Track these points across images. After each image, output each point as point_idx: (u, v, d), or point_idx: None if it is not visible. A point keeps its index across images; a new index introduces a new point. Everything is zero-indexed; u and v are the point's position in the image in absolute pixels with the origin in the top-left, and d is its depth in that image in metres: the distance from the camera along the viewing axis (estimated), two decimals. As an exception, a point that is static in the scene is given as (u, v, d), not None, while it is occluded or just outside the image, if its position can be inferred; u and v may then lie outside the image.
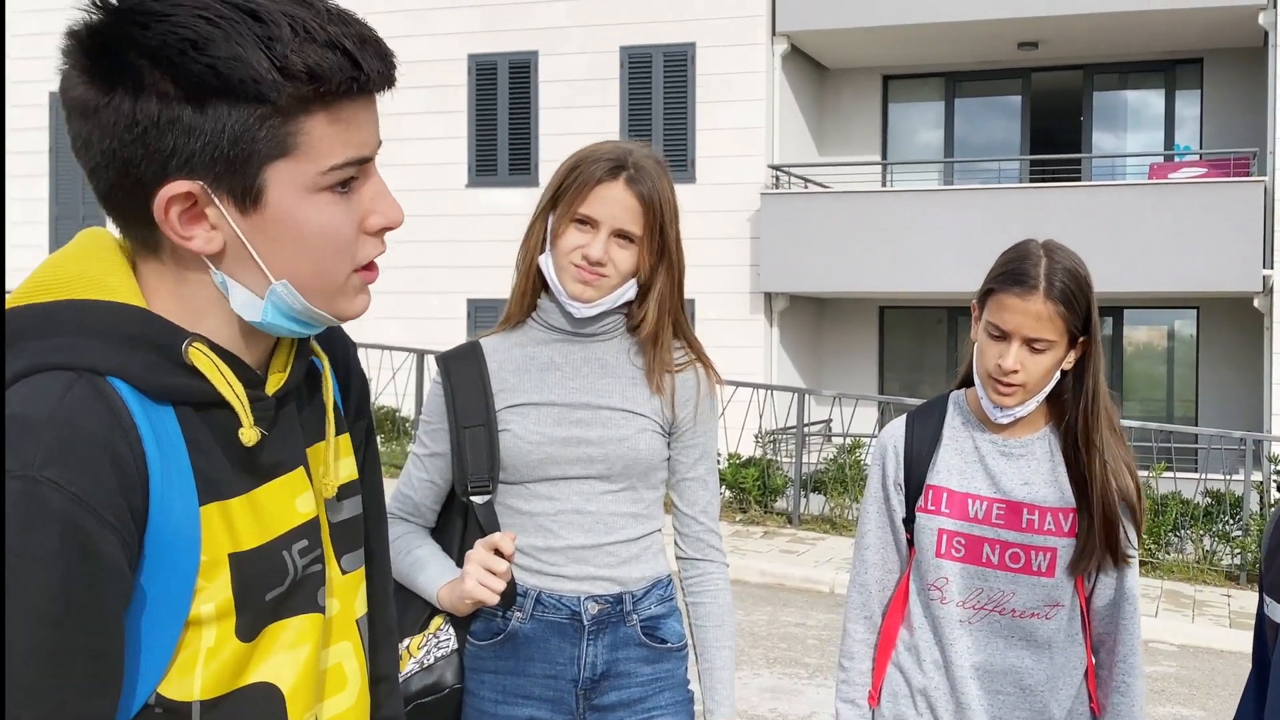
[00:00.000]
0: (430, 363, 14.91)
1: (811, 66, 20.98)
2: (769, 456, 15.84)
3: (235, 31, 1.35)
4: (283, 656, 1.54)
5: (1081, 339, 3.03)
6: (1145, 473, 13.70)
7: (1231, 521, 13.63)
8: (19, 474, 1.26)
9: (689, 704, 3.08)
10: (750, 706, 8.21)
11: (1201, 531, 13.59)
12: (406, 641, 2.93)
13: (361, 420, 1.84)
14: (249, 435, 1.46)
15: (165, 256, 1.47)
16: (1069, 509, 3.06)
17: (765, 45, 19.38)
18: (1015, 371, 2.95)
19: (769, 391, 16.54)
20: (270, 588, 1.51)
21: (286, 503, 1.56)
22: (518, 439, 2.94)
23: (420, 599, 2.97)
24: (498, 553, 2.83)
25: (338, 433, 1.72)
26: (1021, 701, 3.10)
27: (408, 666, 2.89)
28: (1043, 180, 19.81)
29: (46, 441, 1.29)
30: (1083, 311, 3.00)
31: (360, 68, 1.42)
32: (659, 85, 19.75)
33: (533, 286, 3.02)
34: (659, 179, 2.93)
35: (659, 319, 3.00)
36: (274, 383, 1.56)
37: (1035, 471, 3.11)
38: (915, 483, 3.20)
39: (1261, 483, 13.79)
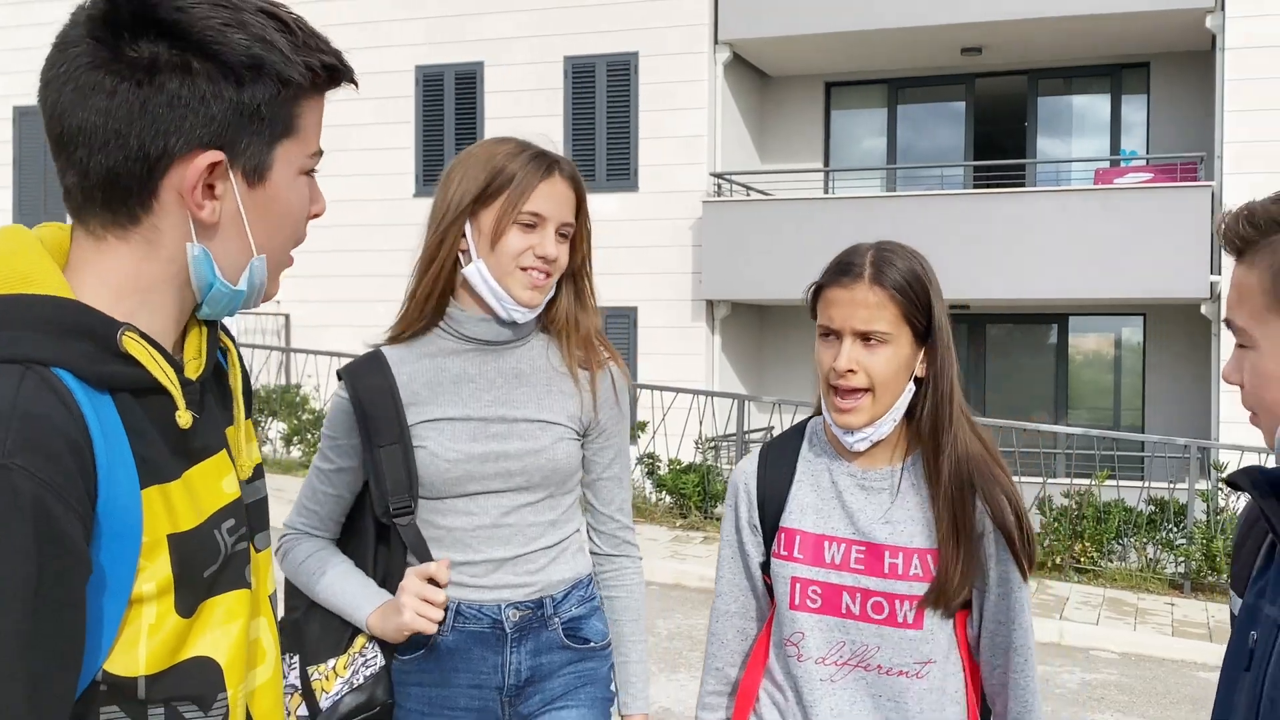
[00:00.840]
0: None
1: (754, 74, 19.54)
2: (710, 463, 14.80)
3: (254, 24, 1.39)
4: (218, 631, 1.49)
5: (929, 341, 2.51)
6: (1088, 480, 12.94)
7: (1176, 529, 12.70)
8: None
9: (607, 703, 2.84)
10: (689, 709, 7.64)
11: (1145, 539, 12.68)
12: (331, 662, 2.70)
13: (247, 403, 1.71)
14: (185, 418, 1.42)
15: (137, 237, 1.43)
16: (936, 550, 2.49)
17: (707, 54, 18.12)
18: (852, 371, 2.44)
19: (710, 398, 15.59)
20: (206, 566, 1.46)
21: (215, 483, 1.51)
22: (434, 457, 2.68)
23: (340, 618, 2.72)
24: (432, 582, 2.61)
25: (246, 417, 1.67)
26: None
27: (335, 687, 2.67)
28: (987, 186, 18.30)
29: (13, 431, 1.25)
30: (922, 305, 2.48)
31: (346, 67, 1.49)
32: (602, 94, 18.43)
33: (439, 295, 2.70)
34: (579, 175, 2.73)
35: (580, 304, 2.79)
36: (193, 369, 1.51)
37: (898, 508, 2.55)
38: (770, 524, 2.66)
39: (1206, 491, 12.64)
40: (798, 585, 2.58)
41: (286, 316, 19.76)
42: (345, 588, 2.71)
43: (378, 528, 2.79)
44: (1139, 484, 13.52)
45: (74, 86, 1.36)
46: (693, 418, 15.19)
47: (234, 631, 1.53)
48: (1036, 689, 2.61)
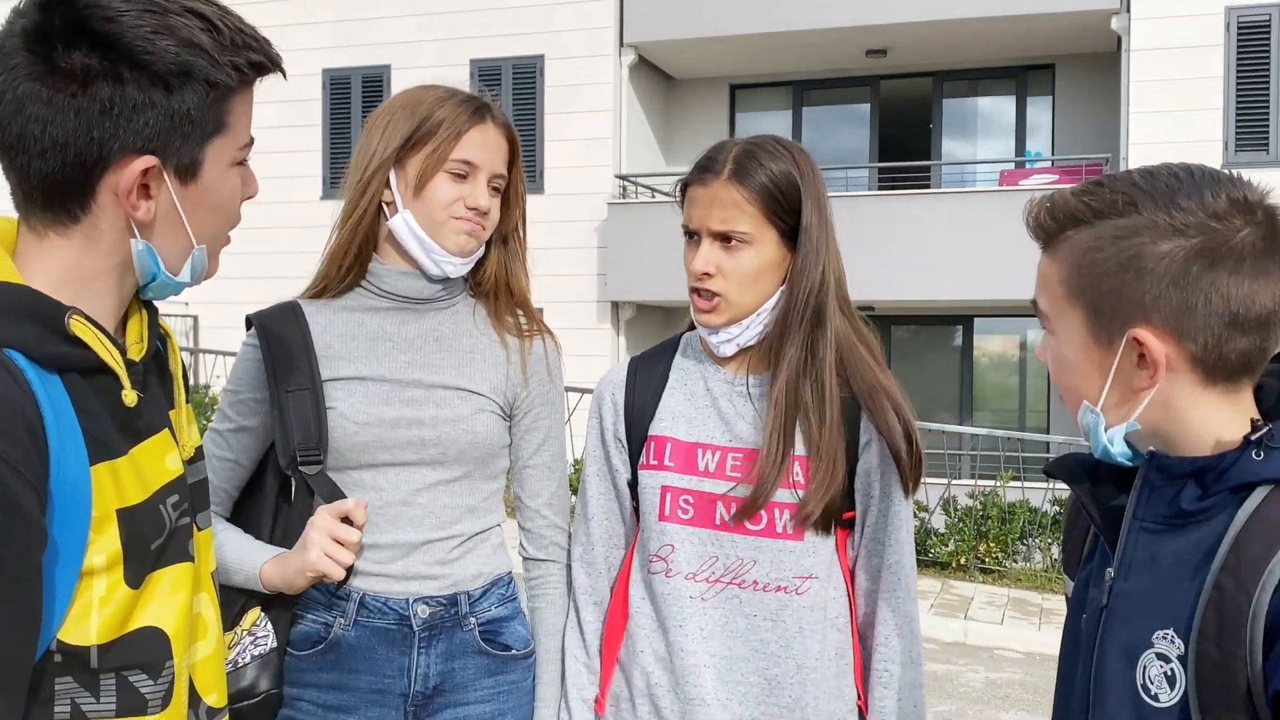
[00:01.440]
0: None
1: (659, 77, 18.46)
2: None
3: (182, 27, 1.36)
4: (165, 602, 1.46)
5: (803, 243, 2.21)
6: (992, 481, 12.38)
7: None
8: None
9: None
10: None
11: (1050, 540, 11.98)
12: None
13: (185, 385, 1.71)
14: (130, 397, 1.41)
15: (78, 234, 1.41)
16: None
17: (613, 56, 17.12)
18: (709, 274, 2.18)
19: None
20: (153, 539, 1.44)
21: (159, 460, 1.48)
22: (342, 418, 2.30)
23: (232, 589, 2.27)
24: (347, 521, 2.23)
25: (186, 400, 1.67)
26: (767, 695, 2.20)
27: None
28: (892, 188, 17.26)
29: None
30: (789, 201, 2.18)
31: (273, 59, 1.46)
32: (508, 97, 17.31)
33: (358, 248, 2.35)
34: (510, 123, 2.41)
35: (512, 266, 2.46)
36: (135, 351, 1.49)
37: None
38: (638, 436, 2.33)
39: None
40: (668, 495, 2.27)
41: (195, 318, 18.78)
42: (236, 545, 2.30)
43: (280, 487, 2.40)
44: (1044, 485, 12.72)
45: (12, 96, 1.35)
46: None
47: (179, 602, 1.49)
48: (911, 614, 2.27)
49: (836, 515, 2.24)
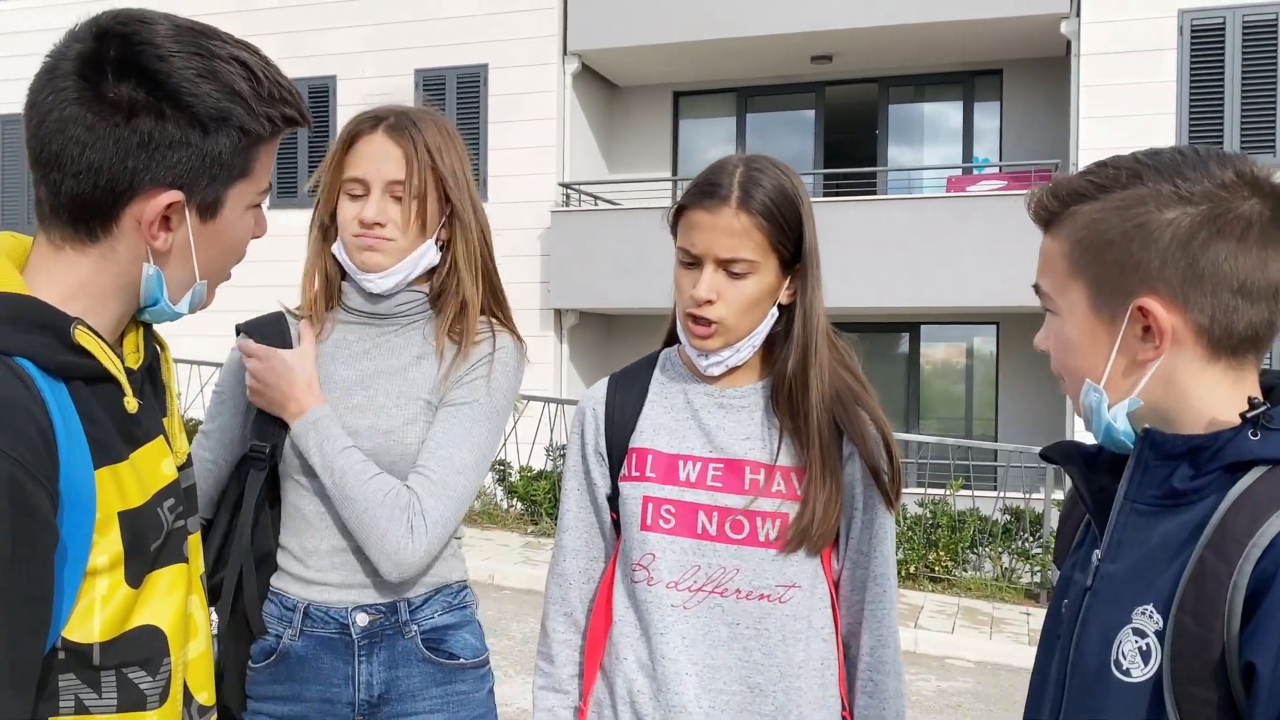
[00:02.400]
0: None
1: (602, 84, 17.01)
2: (560, 470, 12.84)
3: (225, 74, 1.36)
4: (163, 601, 1.44)
5: (797, 267, 2.10)
6: (941, 490, 11.42)
7: (1031, 539, 11.28)
8: None
9: None
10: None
11: (1000, 549, 11.21)
12: None
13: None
14: (131, 404, 1.40)
15: (94, 252, 1.39)
16: (801, 468, 2.08)
17: (557, 65, 15.80)
18: (710, 302, 2.03)
19: (560, 406, 13.57)
20: (152, 540, 1.42)
21: (156, 465, 1.46)
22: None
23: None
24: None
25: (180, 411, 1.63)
26: (750, 703, 2.08)
27: None
28: (838, 195, 15.93)
29: None
30: (793, 230, 2.05)
31: (304, 116, 1.46)
32: (452, 106, 15.96)
33: (316, 273, 2.29)
34: (427, 126, 2.19)
35: (468, 274, 2.23)
36: (133, 360, 1.47)
37: (761, 424, 2.12)
38: (618, 450, 2.18)
39: (1061, 500, 9.20)
40: (649, 505, 2.11)
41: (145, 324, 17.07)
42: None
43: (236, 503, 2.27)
44: (994, 494, 11.96)
45: (57, 115, 1.33)
46: (543, 425, 13.30)
47: (175, 602, 1.47)
48: (894, 625, 2.15)
49: (825, 533, 2.08)
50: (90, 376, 1.36)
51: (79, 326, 1.34)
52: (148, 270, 1.41)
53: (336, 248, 2.23)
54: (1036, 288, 1.50)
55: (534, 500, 12.55)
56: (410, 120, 2.18)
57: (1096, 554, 1.44)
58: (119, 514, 1.36)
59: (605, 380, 2.27)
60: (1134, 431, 1.41)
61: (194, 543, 1.57)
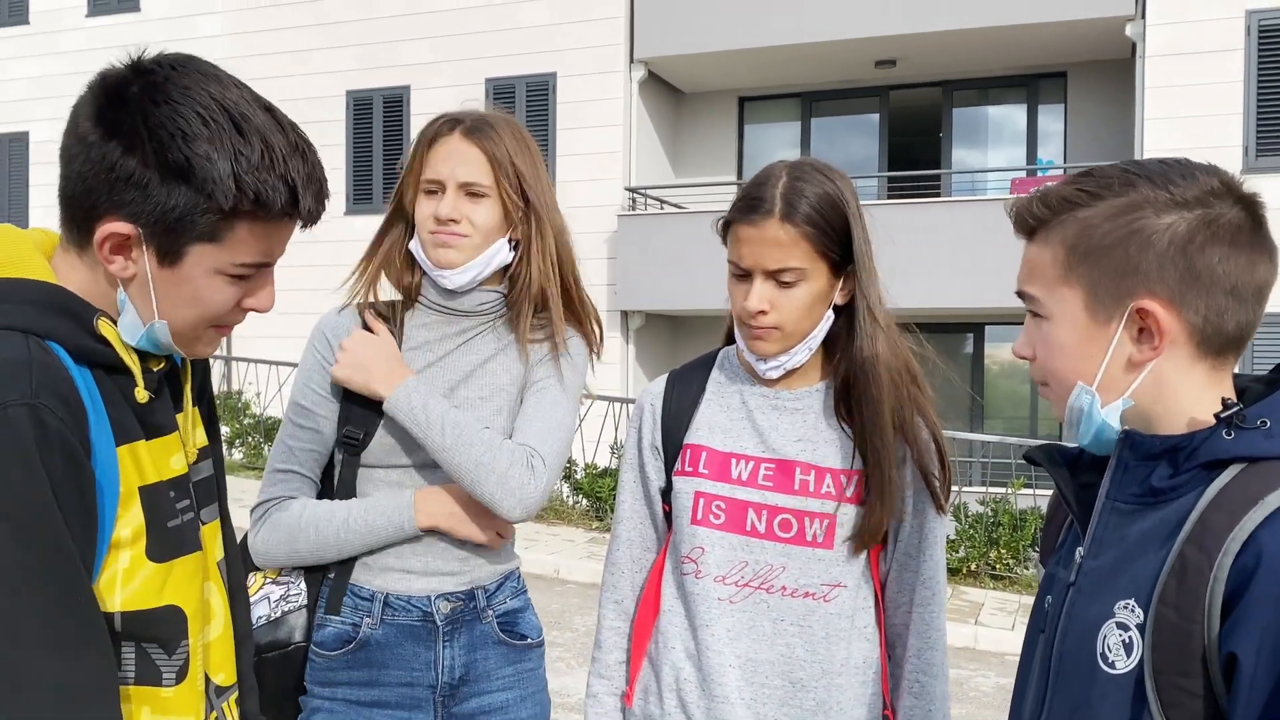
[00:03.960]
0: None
1: (668, 91, 16.90)
2: None
3: (218, 139, 1.37)
4: (185, 585, 1.48)
5: (850, 268, 2.06)
6: (1003, 489, 11.11)
7: None
8: (23, 401, 1.26)
9: (549, 704, 2.36)
10: None
11: None
12: (252, 577, 2.26)
13: (205, 397, 1.74)
14: (142, 394, 1.44)
15: (88, 259, 1.44)
16: (852, 471, 2.06)
17: (623, 72, 15.72)
18: (763, 312, 2.01)
19: (625, 405, 13.43)
20: (169, 517, 1.46)
21: (165, 459, 1.49)
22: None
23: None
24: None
25: (193, 405, 1.65)
26: (791, 697, 2.06)
27: (257, 611, 2.21)
28: (902, 198, 15.58)
29: (35, 377, 1.28)
30: (839, 233, 2.02)
31: (296, 206, 1.43)
32: (522, 114, 15.91)
33: (405, 273, 2.30)
34: (503, 131, 2.21)
35: (538, 278, 2.24)
36: (154, 363, 1.51)
37: (813, 427, 2.10)
38: (674, 445, 2.18)
39: None
40: (700, 500, 2.10)
41: None
42: (372, 507, 2.19)
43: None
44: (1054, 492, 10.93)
45: (74, 121, 1.40)
46: (609, 424, 13.19)
47: (195, 586, 1.50)
48: (942, 628, 2.11)
49: (876, 533, 2.07)
50: (108, 365, 1.40)
51: (102, 317, 1.40)
52: (119, 297, 1.43)
53: (414, 245, 2.25)
54: (1021, 294, 1.49)
55: (599, 497, 12.44)
56: (487, 123, 2.20)
57: (1079, 551, 1.46)
58: (139, 489, 1.41)
59: (665, 376, 2.26)
60: (1120, 431, 1.43)
61: (209, 532, 1.61)
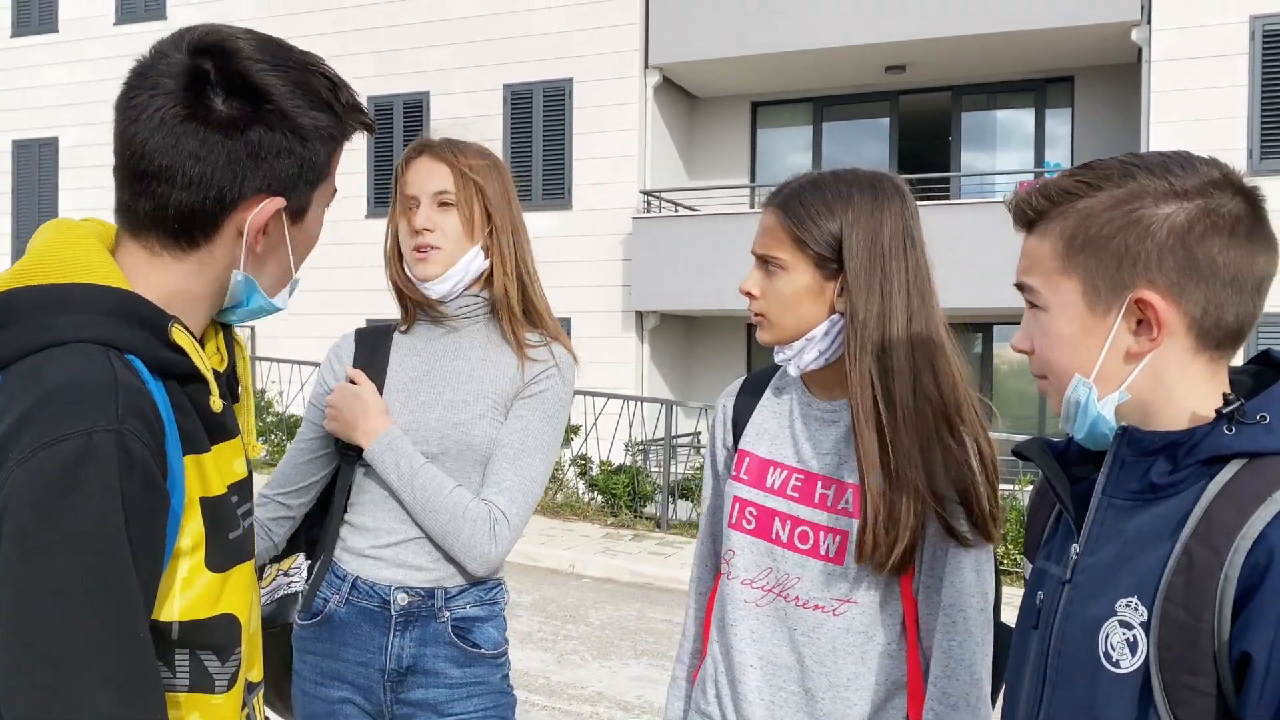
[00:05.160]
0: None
1: (683, 96, 16.83)
2: (639, 465, 13.26)
3: (317, 84, 1.39)
4: (240, 593, 1.45)
5: (844, 275, 2.02)
6: (1011, 486, 11.15)
7: None
8: (110, 428, 1.22)
9: (502, 711, 2.38)
10: (619, 694, 6.74)
11: None
12: (272, 568, 2.50)
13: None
14: (217, 404, 1.42)
15: (193, 259, 1.40)
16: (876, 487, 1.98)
17: (638, 78, 15.69)
18: (753, 296, 2.07)
19: (639, 403, 13.82)
20: (229, 529, 1.44)
21: (229, 462, 1.47)
22: None
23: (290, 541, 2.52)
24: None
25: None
26: (805, 705, 2.05)
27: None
28: None
29: (120, 401, 1.24)
30: (821, 235, 1.99)
31: (371, 124, 1.48)
32: (539, 119, 16.08)
33: (397, 288, 2.50)
34: (468, 150, 2.39)
35: (503, 278, 2.40)
36: (216, 363, 1.50)
37: (843, 440, 2.05)
38: (736, 447, 2.20)
39: None
40: (738, 505, 2.13)
41: (253, 329, 17.96)
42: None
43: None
44: None
45: (166, 131, 1.34)
46: (623, 422, 13.53)
47: (248, 595, 1.49)
48: (968, 659, 1.95)
49: (895, 561, 1.96)
50: (182, 374, 1.37)
51: (176, 325, 1.35)
52: (236, 276, 1.42)
53: (407, 263, 2.41)
54: (1020, 286, 1.47)
55: (614, 493, 12.52)
56: (451, 144, 2.38)
57: (1074, 548, 1.43)
58: (201, 499, 1.37)
59: (741, 378, 2.30)
60: (1115, 425, 1.39)
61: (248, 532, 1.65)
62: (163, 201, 1.34)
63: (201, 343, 1.47)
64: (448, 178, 2.34)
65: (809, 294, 2.01)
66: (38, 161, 19.12)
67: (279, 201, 1.38)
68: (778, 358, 2.10)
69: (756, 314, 2.06)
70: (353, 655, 2.31)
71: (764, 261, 2.03)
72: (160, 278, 1.39)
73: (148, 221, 1.37)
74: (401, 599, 2.29)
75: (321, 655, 2.34)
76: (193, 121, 1.32)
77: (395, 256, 2.44)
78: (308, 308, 16.80)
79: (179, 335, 1.36)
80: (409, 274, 2.39)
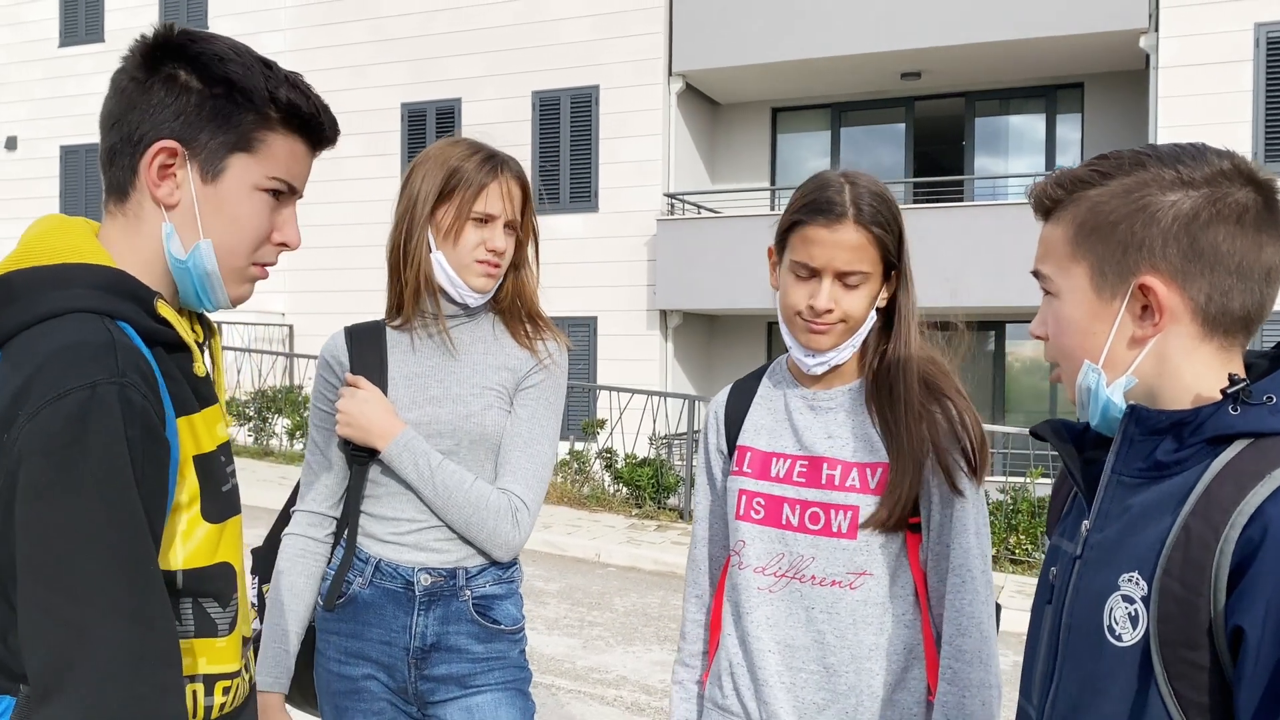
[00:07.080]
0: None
1: (705, 102, 16.79)
2: (662, 457, 13.16)
3: (250, 65, 1.43)
4: (234, 544, 1.52)
5: (895, 272, 2.09)
6: (1022, 478, 11.03)
7: None
8: (112, 380, 1.27)
9: (521, 684, 2.40)
10: (643, 678, 6.71)
11: None
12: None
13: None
14: (200, 368, 1.48)
15: (129, 209, 1.46)
16: (876, 463, 2.06)
17: (662, 85, 15.68)
18: (830, 310, 2.03)
19: (663, 399, 13.71)
20: (221, 483, 1.50)
21: (214, 426, 1.51)
22: None
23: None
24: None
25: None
26: (825, 682, 2.08)
27: None
28: (926, 202, 15.47)
29: (120, 358, 1.30)
30: (895, 237, 2.05)
31: (321, 121, 1.50)
32: (566, 125, 16.08)
33: (423, 287, 2.37)
34: (521, 172, 2.40)
35: (519, 284, 2.44)
36: (198, 335, 1.55)
37: (841, 424, 2.12)
38: (732, 448, 2.24)
39: None
40: (744, 497, 2.16)
41: (290, 327, 18.32)
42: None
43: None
44: None
45: (115, 85, 1.44)
46: (647, 417, 13.59)
47: (239, 546, 1.54)
48: (978, 614, 2.00)
49: (902, 520, 2.04)
50: (168, 343, 1.42)
51: (160, 299, 1.41)
52: (165, 229, 1.44)
53: (435, 260, 2.32)
54: (1036, 273, 1.47)
55: (638, 485, 12.55)
56: (520, 167, 2.38)
57: (1085, 524, 1.42)
58: (194, 457, 1.42)
59: (729, 386, 2.32)
60: (1125, 407, 1.39)
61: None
62: (103, 151, 1.44)
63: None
64: (519, 207, 2.35)
65: (874, 299, 2.07)
66: (84, 166, 19.25)
67: (171, 143, 1.40)
68: (813, 360, 2.08)
69: (831, 323, 2.03)
70: (377, 635, 2.32)
71: (841, 277, 2.01)
72: (126, 246, 1.45)
73: (103, 176, 1.46)
74: (425, 579, 2.30)
75: (345, 635, 2.35)
76: (124, 75, 1.42)
77: (424, 252, 2.34)
78: (341, 307, 17.01)
79: (163, 308, 1.41)
80: (458, 279, 2.32)
